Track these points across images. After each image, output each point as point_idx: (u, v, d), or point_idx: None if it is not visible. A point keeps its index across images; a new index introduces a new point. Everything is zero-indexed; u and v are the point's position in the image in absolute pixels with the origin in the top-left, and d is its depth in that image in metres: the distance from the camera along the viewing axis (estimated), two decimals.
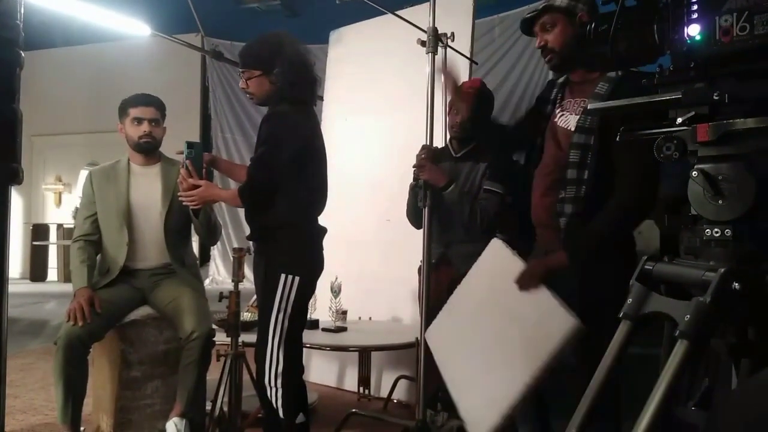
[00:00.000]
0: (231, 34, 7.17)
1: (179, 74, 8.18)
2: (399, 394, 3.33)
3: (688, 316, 1.04)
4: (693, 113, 1.12)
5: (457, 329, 2.07)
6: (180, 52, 6.73)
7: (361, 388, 3.46)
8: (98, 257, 2.63)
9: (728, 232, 1.08)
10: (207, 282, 7.72)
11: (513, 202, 2.50)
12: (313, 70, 2.24)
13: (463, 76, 3.12)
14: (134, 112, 2.60)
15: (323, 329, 3.13)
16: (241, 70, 2.21)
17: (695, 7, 1.09)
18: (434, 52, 2.45)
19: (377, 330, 3.29)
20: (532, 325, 1.70)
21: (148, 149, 2.65)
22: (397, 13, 3.23)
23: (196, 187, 2.20)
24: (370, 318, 3.51)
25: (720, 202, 1.09)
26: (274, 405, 2.10)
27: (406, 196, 2.69)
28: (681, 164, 1.15)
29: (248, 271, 2.65)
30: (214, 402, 2.40)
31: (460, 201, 2.44)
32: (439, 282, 2.49)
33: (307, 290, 2.18)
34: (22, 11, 0.64)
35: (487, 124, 2.44)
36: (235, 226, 8.10)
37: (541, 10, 1.91)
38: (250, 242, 2.28)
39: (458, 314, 2.11)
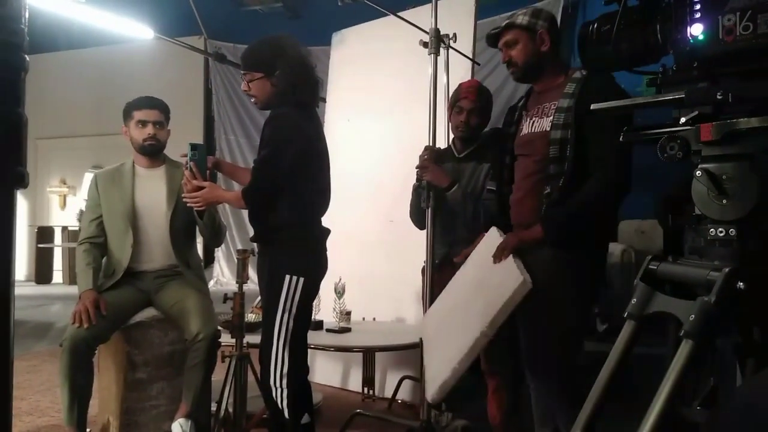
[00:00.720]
0: (233, 36, 7.18)
1: (182, 77, 8.20)
2: (403, 395, 3.33)
3: (693, 315, 1.04)
4: (696, 113, 1.12)
5: (442, 307, 2.16)
6: (183, 55, 6.75)
7: (366, 389, 3.46)
8: (103, 259, 2.63)
9: (732, 231, 1.08)
10: (211, 283, 7.73)
11: None
12: (315, 72, 2.24)
13: (466, 77, 3.13)
14: (139, 114, 2.61)
15: (327, 330, 3.13)
16: (242, 72, 2.22)
17: (698, 6, 1.10)
18: (436, 53, 2.45)
19: (381, 330, 3.29)
20: (493, 289, 1.80)
21: (153, 152, 2.66)
22: (399, 14, 3.23)
23: (200, 188, 2.20)
24: (374, 318, 3.51)
25: (724, 201, 1.09)
26: (279, 405, 2.10)
27: (410, 196, 2.69)
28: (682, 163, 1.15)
29: (252, 273, 2.66)
30: (219, 403, 2.41)
31: (463, 201, 2.44)
32: (442, 282, 2.49)
33: (311, 291, 2.19)
34: (27, 15, 0.65)
35: (487, 118, 2.56)
36: (239, 227, 8.10)
37: (503, 27, 2.03)
38: (254, 244, 2.29)
39: (447, 295, 2.20)
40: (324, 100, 4.05)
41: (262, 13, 7.76)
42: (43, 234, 9.13)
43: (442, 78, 2.91)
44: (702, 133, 1.10)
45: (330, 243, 2.25)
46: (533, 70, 2.01)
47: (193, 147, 2.23)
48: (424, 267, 2.49)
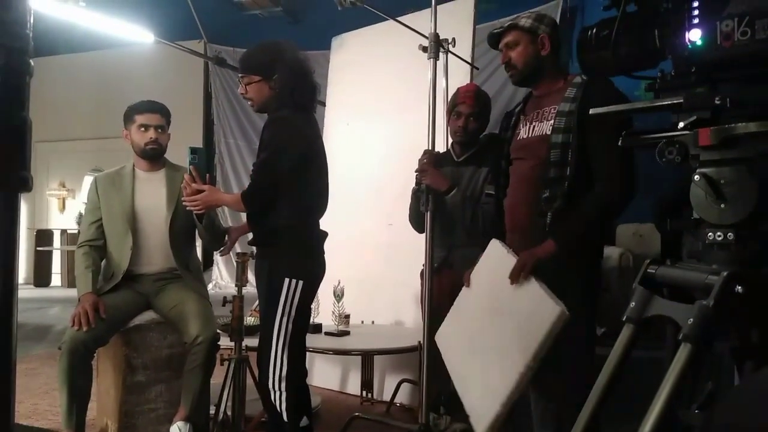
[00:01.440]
0: (233, 40, 7.19)
1: (182, 80, 8.21)
2: (402, 398, 3.33)
3: (692, 319, 1.04)
4: (695, 117, 1.13)
5: (461, 329, 2.11)
6: (183, 59, 6.75)
7: (364, 392, 3.46)
8: (103, 262, 2.63)
9: (731, 235, 1.09)
10: (210, 287, 7.72)
11: None
12: (313, 77, 2.26)
13: (464, 81, 3.14)
14: (140, 118, 2.62)
15: (326, 333, 3.13)
16: (240, 75, 2.23)
17: (696, 12, 1.10)
18: (435, 58, 2.46)
19: (380, 334, 3.29)
20: (525, 317, 1.75)
21: (154, 156, 2.66)
22: (399, 19, 3.24)
23: (200, 191, 2.21)
24: (372, 322, 3.51)
25: (722, 205, 1.10)
26: (278, 409, 2.10)
27: (409, 200, 2.69)
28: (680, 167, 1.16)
29: (251, 276, 2.66)
30: (218, 406, 2.40)
31: (462, 205, 2.45)
32: (441, 286, 2.50)
33: (310, 294, 2.19)
34: (32, 21, 0.65)
35: (486, 123, 2.57)
36: None
37: (506, 28, 2.03)
38: (253, 247, 2.29)
39: (462, 315, 2.15)
40: (323, 103, 4.05)
41: (262, 18, 7.77)
42: (42, 237, 9.12)
43: (441, 82, 2.92)
44: (700, 138, 1.11)
45: (329, 246, 2.26)
46: (532, 74, 2.02)
47: (193, 151, 2.24)
48: (423, 270, 2.49)
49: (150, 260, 2.63)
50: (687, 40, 1.12)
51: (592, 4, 5.56)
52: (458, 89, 2.66)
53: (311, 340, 2.57)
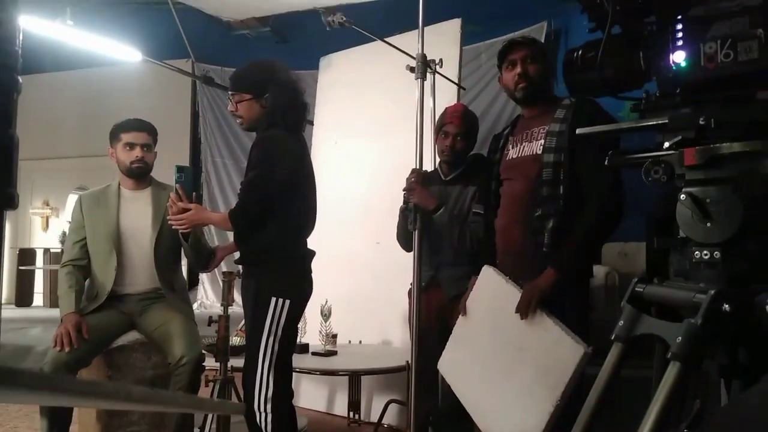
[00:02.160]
0: (221, 59, 7.21)
1: (169, 99, 8.19)
2: (389, 419, 3.30)
3: (680, 337, 1.04)
4: (680, 137, 1.14)
5: (470, 360, 2.10)
6: (170, 78, 6.75)
7: (351, 413, 3.43)
8: (86, 282, 2.60)
9: (717, 254, 1.10)
10: (195, 306, 7.59)
11: None
12: (303, 97, 2.26)
13: (452, 101, 3.17)
14: (126, 137, 2.60)
15: (313, 353, 3.11)
16: (230, 93, 2.23)
17: (680, 34, 1.12)
18: (423, 78, 2.48)
19: (367, 354, 3.27)
20: (543, 355, 1.77)
21: (140, 174, 2.65)
22: (386, 39, 3.27)
23: (186, 210, 2.19)
24: (360, 341, 3.49)
25: (708, 224, 1.11)
26: (264, 430, 2.07)
27: (396, 219, 2.69)
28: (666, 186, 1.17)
29: (237, 295, 2.64)
30: (202, 428, 2.37)
31: (449, 224, 2.45)
32: (429, 305, 2.49)
33: (296, 314, 2.17)
34: (21, 37, 0.65)
35: (473, 142, 2.59)
36: None
37: (530, 41, 2.08)
38: (239, 266, 2.27)
39: (467, 345, 2.15)
40: (311, 123, 4.07)
41: (251, 37, 7.80)
42: (25, 256, 8.98)
43: (428, 102, 2.94)
44: (686, 158, 1.12)
45: (316, 265, 2.25)
46: (540, 92, 2.06)
47: (180, 169, 2.23)
48: (410, 289, 2.48)
49: (135, 280, 2.60)
50: (671, 62, 1.14)
51: (576, 27, 5.65)
52: (446, 109, 2.68)
53: (298, 361, 2.54)
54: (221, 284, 2.49)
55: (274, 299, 2.08)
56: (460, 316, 2.18)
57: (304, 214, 2.24)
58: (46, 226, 9.52)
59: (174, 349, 2.38)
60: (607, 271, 4.88)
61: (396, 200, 2.63)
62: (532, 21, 5.75)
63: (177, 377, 2.36)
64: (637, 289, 1.23)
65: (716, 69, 1.08)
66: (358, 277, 3.54)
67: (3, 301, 8.97)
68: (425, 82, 2.51)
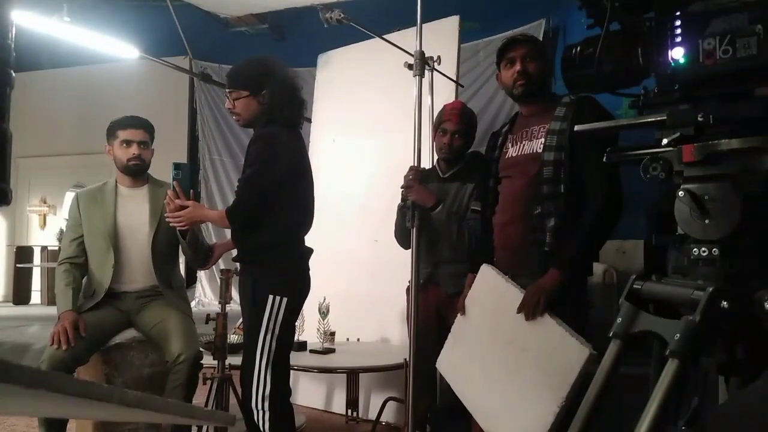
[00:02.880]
0: (219, 56, 7.19)
1: (167, 96, 8.17)
2: (387, 417, 3.29)
3: (678, 334, 1.04)
4: (678, 134, 1.14)
5: (470, 359, 2.09)
6: (168, 75, 6.74)
7: (350, 411, 3.42)
8: (84, 280, 2.59)
9: (715, 250, 1.09)
10: (193, 304, 7.61)
11: None
12: (301, 93, 2.26)
13: (449, 98, 3.16)
14: (123, 134, 2.59)
15: (311, 351, 3.10)
16: (228, 90, 2.22)
17: (679, 30, 1.12)
18: (421, 75, 2.47)
19: (365, 351, 3.26)
20: (547, 356, 1.76)
21: (137, 171, 2.64)
22: (385, 36, 3.26)
23: (184, 207, 2.19)
24: (358, 339, 3.48)
25: (706, 221, 1.10)
26: (261, 428, 2.07)
27: (394, 216, 2.69)
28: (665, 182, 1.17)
29: (235, 293, 2.63)
30: (200, 427, 2.36)
31: (447, 221, 2.45)
32: (427, 302, 2.49)
33: (294, 311, 2.17)
34: (14, 31, 0.64)
35: (472, 140, 2.58)
36: None
37: (529, 39, 2.07)
38: (237, 263, 2.27)
39: (466, 344, 2.14)
40: (309, 120, 4.06)
41: (248, 35, 7.79)
42: (22, 254, 8.97)
43: (426, 99, 2.94)
44: (684, 154, 1.12)
45: (314, 263, 2.24)
46: (539, 90, 2.05)
47: (177, 166, 2.22)
48: (408, 287, 2.48)
49: (132, 278, 2.59)
50: (670, 58, 1.14)
51: (574, 25, 5.65)
52: (444, 106, 2.67)
53: (296, 358, 2.54)
54: (219, 282, 2.48)
55: (271, 297, 2.07)
56: (459, 315, 2.17)
57: (302, 212, 2.23)
58: (44, 223, 9.50)
59: (171, 346, 2.37)
60: (605, 269, 4.88)
61: (394, 198, 2.63)
62: (531, 18, 5.75)
63: (174, 375, 2.35)
64: (635, 286, 1.22)
65: (715, 65, 1.08)
66: (356, 275, 3.53)
67: (0, 299, 8.96)
68: (423, 79, 2.50)
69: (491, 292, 2.02)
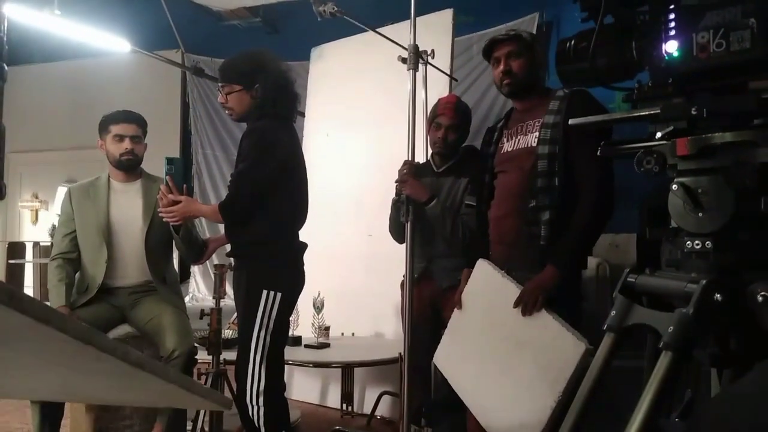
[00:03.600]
0: (211, 50, 7.14)
1: (159, 90, 8.11)
2: (382, 411, 3.31)
3: (672, 327, 1.05)
4: (672, 128, 1.14)
5: (467, 354, 2.10)
6: (160, 69, 6.69)
7: (345, 405, 3.43)
8: (77, 275, 2.58)
9: (709, 243, 1.10)
10: (187, 299, 7.58)
11: None
12: (294, 87, 2.25)
13: (443, 92, 3.16)
14: (116, 129, 2.58)
15: (306, 345, 3.10)
16: (220, 84, 2.21)
17: (673, 24, 1.12)
18: (415, 69, 2.46)
19: (360, 346, 3.27)
20: (543, 351, 1.78)
21: (130, 166, 2.62)
22: (378, 30, 3.25)
23: (177, 202, 2.18)
24: (353, 334, 3.49)
25: (700, 214, 1.11)
26: (256, 423, 2.07)
27: (389, 211, 2.69)
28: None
29: (229, 288, 2.63)
30: (195, 422, 2.36)
31: (442, 216, 2.45)
32: (421, 296, 2.49)
33: (288, 306, 2.17)
34: (5, 25, 0.63)
35: (466, 134, 2.59)
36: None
37: (511, 37, 2.03)
38: (231, 258, 2.26)
39: (463, 338, 2.15)
40: (303, 114, 4.04)
41: (241, 28, 7.73)
42: (14, 249, 8.91)
43: (420, 93, 2.93)
44: (678, 148, 1.12)
45: (308, 257, 2.24)
46: (527, 86, 2.05)
47: (170, 161, 2.21)
48: (403, 281, 2.48)
49: (125, 273, 2.58)
50: (664, 52, 1.14)
51: (567, 19, 5.64)
52: (439, 100, 2.67)
53: (290, 353, 2.54)
54: (213, 277, 2.48)
55: (265, 292, 2.07)
56: (455, 310, 2.17)
57: (296, 206, 2.23)
58: (36, 219, 9.44)
59: (166, 342, 2.37)
60: (598, 263, 4.90)
61: (388, 192, 2.63)
62: (524, 11, 5.73)
63: None
64: (629, 279, 1.23)
65: (709, 59, 1.08)
66: (351, 270, 3.53)
67: None
68: (417, 73, 2.50)
69: (488, 286, 2.03)
